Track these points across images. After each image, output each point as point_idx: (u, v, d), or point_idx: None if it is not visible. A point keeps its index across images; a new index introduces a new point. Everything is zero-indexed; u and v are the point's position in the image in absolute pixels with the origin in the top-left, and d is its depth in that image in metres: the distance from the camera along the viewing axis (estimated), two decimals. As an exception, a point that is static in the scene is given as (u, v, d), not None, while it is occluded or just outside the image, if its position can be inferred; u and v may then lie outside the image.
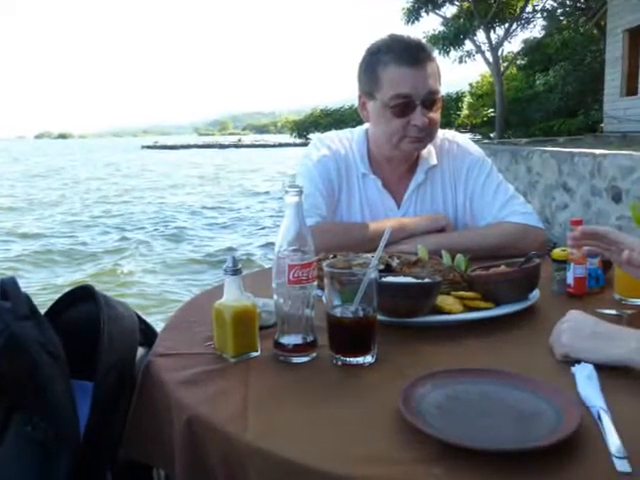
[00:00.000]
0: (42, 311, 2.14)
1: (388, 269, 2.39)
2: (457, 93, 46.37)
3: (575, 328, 1.86)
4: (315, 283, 1.93)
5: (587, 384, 1.64)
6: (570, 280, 2.47)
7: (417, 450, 1.38)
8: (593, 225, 2.25)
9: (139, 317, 2.35)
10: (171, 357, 1.99)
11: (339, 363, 1.88)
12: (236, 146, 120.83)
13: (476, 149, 3.42)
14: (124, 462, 2.05)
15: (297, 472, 1.36)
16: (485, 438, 1.39)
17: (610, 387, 1.63)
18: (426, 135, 3.09)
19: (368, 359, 1.88)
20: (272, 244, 2.07)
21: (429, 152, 3.32)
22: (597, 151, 12.17)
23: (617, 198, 10.98)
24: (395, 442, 1.43)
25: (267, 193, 31.66)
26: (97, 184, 39.45)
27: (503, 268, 2.43)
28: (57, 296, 2.32)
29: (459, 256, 2.58)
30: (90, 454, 2.02)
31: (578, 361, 1.77)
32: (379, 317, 1.94)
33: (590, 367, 1.71)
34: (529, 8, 37.26)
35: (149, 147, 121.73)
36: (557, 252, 2.57)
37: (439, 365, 1.79)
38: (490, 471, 1.29)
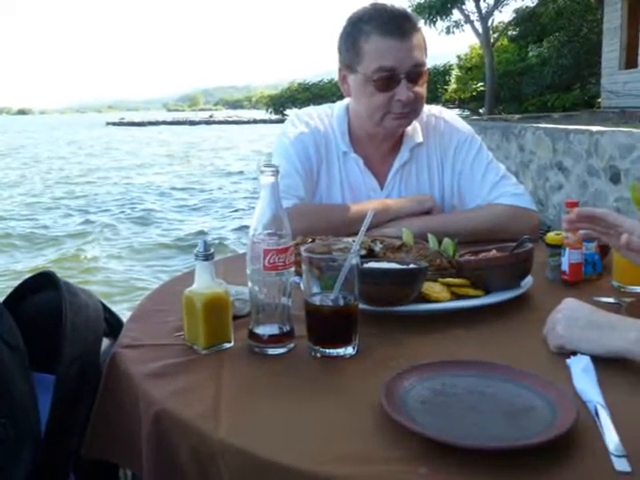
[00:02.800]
0: (0, 299, 2.13)
1: (371, 254, 2.39)
2: (444, 66, 46.29)
3: (571, 317, 1.86)
4: (292, 269, 1.93)
5: (583, 377, 1.64)
6: (565, 266, 2.48)
7: (401, 448, 1.38)
8: (590, 207, 2.25)
9: (104, 306, 2.35)
10: (138, 348, 1.98)
11: (318, 355, 1.88)
12: (207, 122, 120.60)
13: (464, 125, 3.42)
14: (88, 461, 2.05)
15: (273, 471, 1.36)
16: (474, 435, 1.40)
17: (608, 381, 1.64)
18: (411, 111, 3.09)
19: (349, 351, 1.88)
20: (246, 227, 2.07)
21: (414, 129, 3.31)
22: (594, 128, 12.22)
23: (615, 178, 11.03)
24: (378, 439, 1.43)
25: (241, 173, 31.64)
26: (59, 163, 39.31)
27: (494, 253, 2.43)
28: (16, 283, 2.32)
29: (446, 240, 2.58)
30: (52, 452, 2.01)
31: (574, 353, 1.78)
32: (361, 306, 1.94)
33: (587, 359, 1.72)
34: (522, -26, 37.35)
35: (114, 124, 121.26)
36: (551, 236, 2.57)
37: (425, 357, 1.79)
38: (479, 471, 1.29)
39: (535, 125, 15.46)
